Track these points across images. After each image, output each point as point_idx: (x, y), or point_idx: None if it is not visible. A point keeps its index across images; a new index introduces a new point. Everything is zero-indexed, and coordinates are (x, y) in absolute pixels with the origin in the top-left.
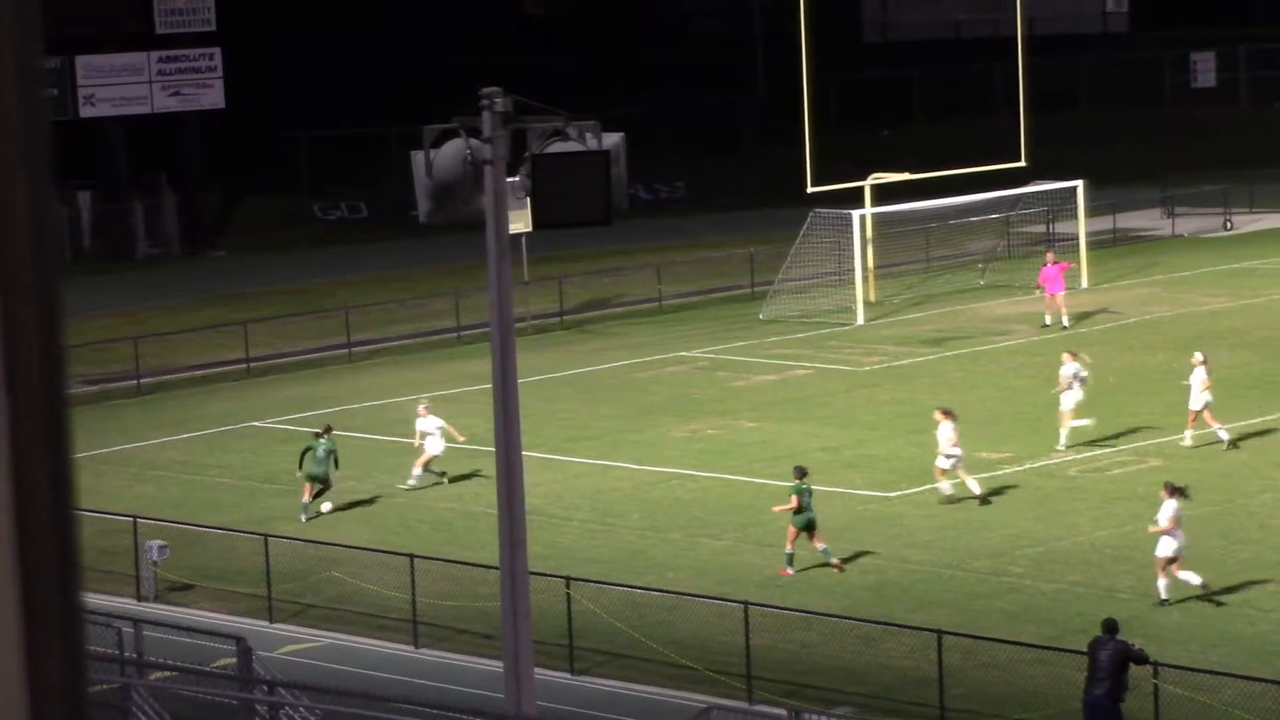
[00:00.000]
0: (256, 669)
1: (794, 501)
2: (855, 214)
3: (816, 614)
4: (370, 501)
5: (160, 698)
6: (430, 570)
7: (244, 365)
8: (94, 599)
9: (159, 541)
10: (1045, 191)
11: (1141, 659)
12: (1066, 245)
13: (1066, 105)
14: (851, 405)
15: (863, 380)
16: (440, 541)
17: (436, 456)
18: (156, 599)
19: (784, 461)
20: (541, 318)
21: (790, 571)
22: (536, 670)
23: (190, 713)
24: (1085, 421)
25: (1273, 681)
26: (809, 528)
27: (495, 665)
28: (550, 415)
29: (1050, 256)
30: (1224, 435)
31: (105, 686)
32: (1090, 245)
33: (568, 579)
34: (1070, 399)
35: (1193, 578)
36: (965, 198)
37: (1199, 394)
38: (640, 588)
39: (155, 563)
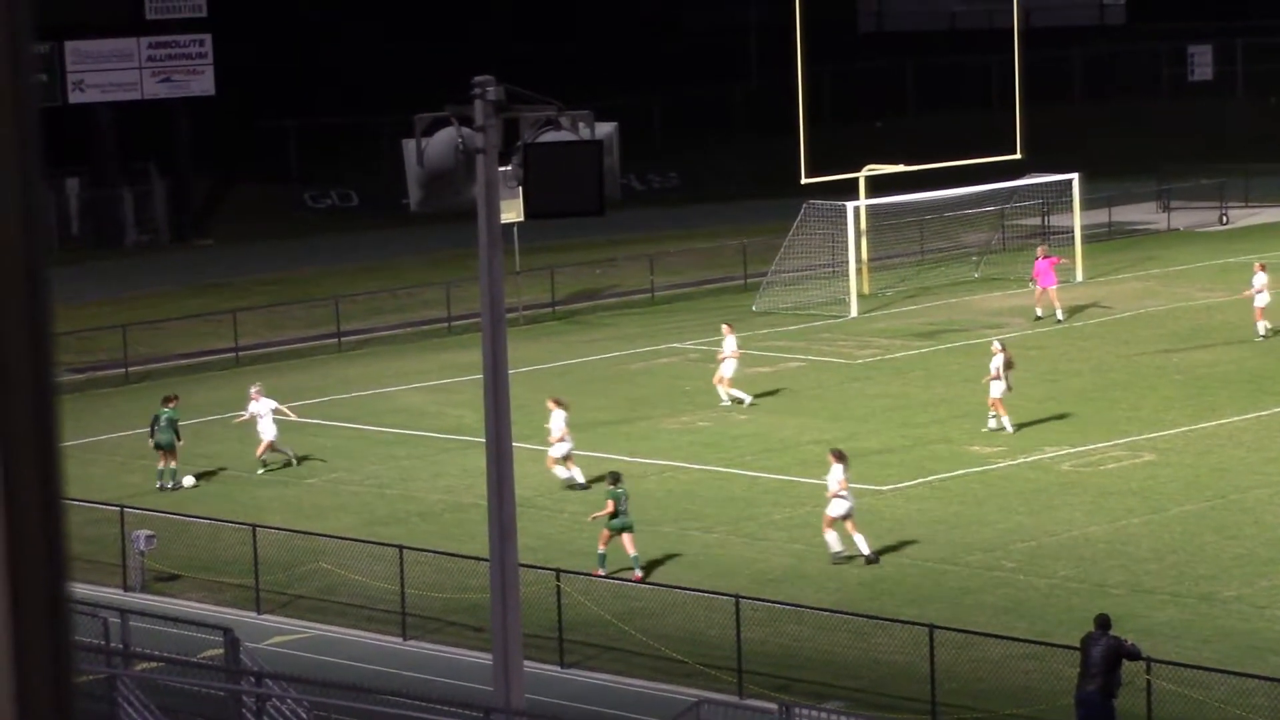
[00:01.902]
0: (244, 660)
1: (609, 507)
2: (849, 205)
3: (808, 608)
4: (358, 492)
5: (147, 689)
6: (419, 561)
7: (233, 354)
8: (80, 589)
9: (146, 531)
10: (1040, 184)
11: (1134, 655)
12: (1062, 238)
13: (1062, 98)
14: (844, 398)
15: (856, 373)
16: (429, 533)
17: (273, 441)
18: (143, 589)
19: (776, 454)
20: (533, 308)
21: (601, 572)
22: (526, 663)
23: (177, 704)
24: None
25: (1266, 678)
26: (625, 530)
27: (484, 657)
28: (541, 406)
29: (1042, 250)
30: (1009, 427)
31: (91, 677)
32: (1085, 239)
33: (558, 571)
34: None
35: (863, 544)
36: (960, 190)
37: (995, 382)
38: (631, 580)
39: (142, 552)
